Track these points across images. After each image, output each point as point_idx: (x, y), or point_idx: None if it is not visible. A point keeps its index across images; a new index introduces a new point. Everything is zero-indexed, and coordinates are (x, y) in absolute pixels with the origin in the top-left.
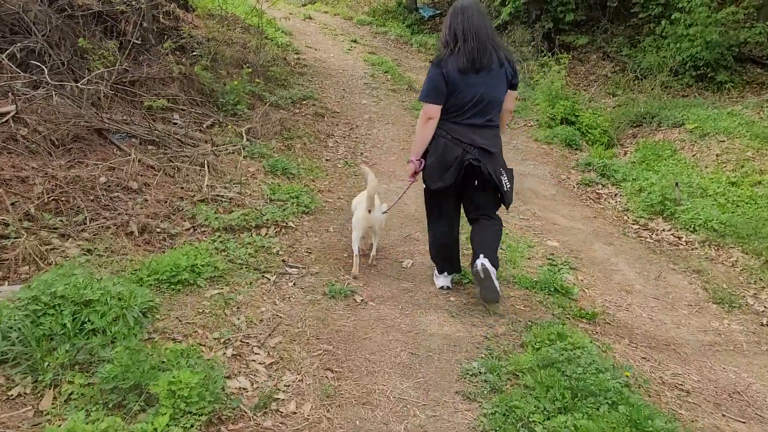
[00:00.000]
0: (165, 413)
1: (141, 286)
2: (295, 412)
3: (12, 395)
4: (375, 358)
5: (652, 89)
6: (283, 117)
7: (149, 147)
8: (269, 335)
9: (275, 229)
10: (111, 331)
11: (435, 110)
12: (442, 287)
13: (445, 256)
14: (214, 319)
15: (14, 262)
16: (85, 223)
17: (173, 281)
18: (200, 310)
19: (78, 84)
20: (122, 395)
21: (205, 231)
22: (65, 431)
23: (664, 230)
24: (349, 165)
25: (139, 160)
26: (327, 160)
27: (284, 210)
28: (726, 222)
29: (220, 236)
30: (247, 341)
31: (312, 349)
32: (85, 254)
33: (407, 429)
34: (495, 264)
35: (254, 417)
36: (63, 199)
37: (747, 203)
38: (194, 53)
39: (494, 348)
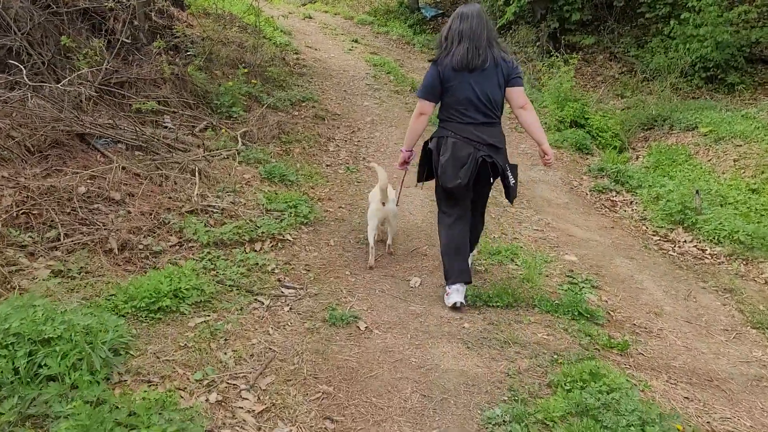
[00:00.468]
0: None
1: (116, 314)
2: None
3: None
4: (382, 403)
5: (662, 91)
6: (281, 120)
7: (136, 153)
8: (260, 374)
9: (271, 243)
10: (71, 378)
11: (428, 107)
12: (454, 305)
13: (457, 255)
14: (198, 355)
15: None
16: (58, 240)
17: (152, 309)
18: (182, 344)
19: (59, 85)
20: None
21: (192, 247)
22: None
23: (686, 242)
24: (351, 170)
25: (123, 168)
26: (327, 165)
27: (281, 221)
28: (753, 233)
29: (209, 253)
30: (235, 382)
31: (309, 392)
32: (55, 276)
33: None
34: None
35: None
36: (35, 212)
37: None
38: (188, 53)
39: (518, 388)
